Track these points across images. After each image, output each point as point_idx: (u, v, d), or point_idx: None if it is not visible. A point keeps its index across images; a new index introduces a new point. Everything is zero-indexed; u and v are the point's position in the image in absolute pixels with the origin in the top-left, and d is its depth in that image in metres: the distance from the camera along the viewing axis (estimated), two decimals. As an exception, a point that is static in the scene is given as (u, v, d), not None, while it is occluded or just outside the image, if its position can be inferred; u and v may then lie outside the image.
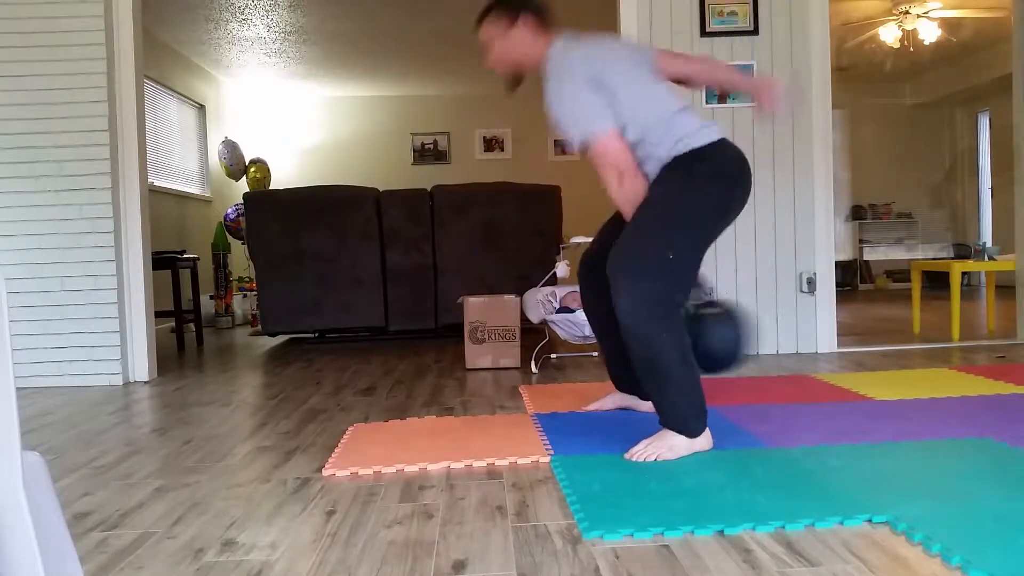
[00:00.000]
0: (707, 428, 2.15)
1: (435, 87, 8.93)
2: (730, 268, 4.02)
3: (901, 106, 9.72)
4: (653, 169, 2.22)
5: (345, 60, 7.67)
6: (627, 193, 2.19)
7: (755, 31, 4.04)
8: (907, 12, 6.67)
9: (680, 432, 2.11)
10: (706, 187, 2.16)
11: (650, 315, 2.06)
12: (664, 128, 2.18)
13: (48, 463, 1.06)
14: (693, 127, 2.20)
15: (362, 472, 2.08)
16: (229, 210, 7.35)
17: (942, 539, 1.46)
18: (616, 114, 2.18)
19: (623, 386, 2.66)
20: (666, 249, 2.10)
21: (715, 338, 2.20)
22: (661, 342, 2.06)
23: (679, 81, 2.48)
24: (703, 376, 2.16)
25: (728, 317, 2.23)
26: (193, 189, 7.43)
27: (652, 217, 2.15)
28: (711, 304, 2.26)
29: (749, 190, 2.25)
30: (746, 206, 2.29)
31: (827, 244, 4.11)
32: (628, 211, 2.21)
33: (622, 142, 2.19)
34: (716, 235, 2.22)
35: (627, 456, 2.10)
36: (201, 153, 7.72)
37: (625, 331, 2.10)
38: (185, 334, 5.75)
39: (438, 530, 1.64)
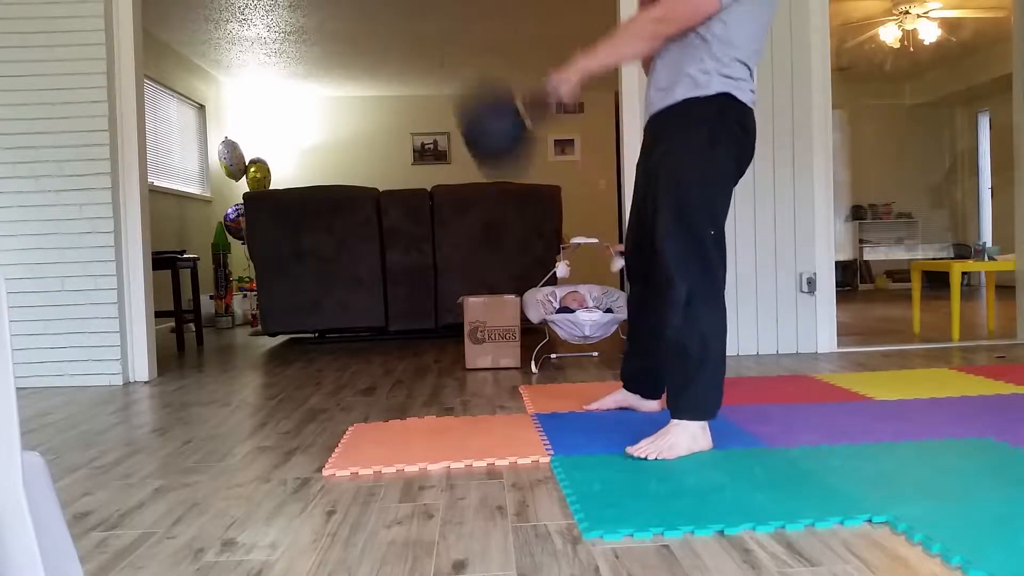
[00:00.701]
0: (708, 428, 2.15)
1: (435, 87, 8.93)
2: (730, 268, 4.00)
3: (901, 106, 9.72)
4: (691, 69, 2.15)
5: (345, 60, 7.67)
6: (638, 32, 2.15)
7: (755, 31, 4.04)
8: (907, 12, 6.67)
9: (691, 416, 2.12)
10: (725, 160, 2.18)
11: (705, 293, 2.12)
12: (732, 55, 2.15)
13: (48, 463, 1.06)
14: (744, 79, 2.18)
15: (362, 472, 2.08)
16: (229, 210, 7.35)
17: (942, 539, 1.46)
18: (729, 4, 2.10)
19: (630, 381, 2.66)
20: (708, 233, 2.14)
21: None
22: (716, 323, 2.13)
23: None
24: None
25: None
26: (193, 189, 7.43)
27: (689, 202, 2.15)
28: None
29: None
30: (747, 206, 2.31)
31: (827, 244, 4.11)
32: (620, 36, 2.18)
33: (708, 13, 2.10)
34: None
35: (628, 451, 2.10)
36: (201, 153, 7.72)
37: (675, 311, 2.12)
38: (185, 334, 5.75)
39: (438, 530, 1.64)
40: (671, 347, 2.16)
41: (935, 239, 9.58)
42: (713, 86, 2.14)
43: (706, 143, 2.16)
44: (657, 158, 2.24)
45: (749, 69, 2.20)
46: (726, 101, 2.15)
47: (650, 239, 2.28)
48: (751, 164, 2.30)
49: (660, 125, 2.25)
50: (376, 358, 4.44)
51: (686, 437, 2.11)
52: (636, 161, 2.48)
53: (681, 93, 2.18)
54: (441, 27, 6.65)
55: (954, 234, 9.68)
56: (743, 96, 2.18)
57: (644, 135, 2.38)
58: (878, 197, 9.67)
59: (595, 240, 3.93)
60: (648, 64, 2.40)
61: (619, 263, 3.77)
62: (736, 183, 2.25)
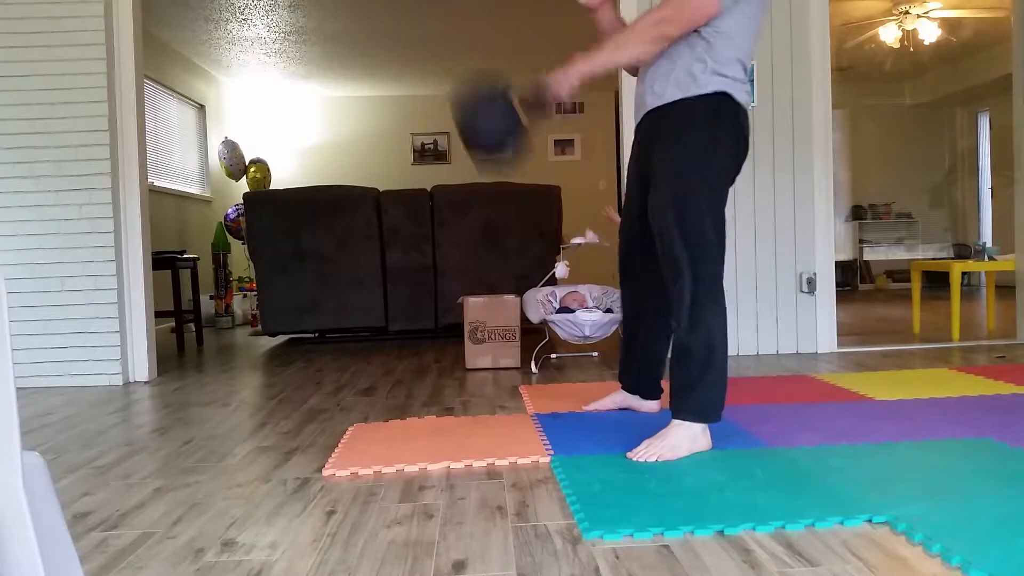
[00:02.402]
0: (707, 428, 2.15)
1: (435, 87, 8.92)
2: (730, 268, 4.01)
3: (901, 106, 9.72)
4: (689, 69, 2.15)
5: (345, 60, 7.67)
6: (640, 36, 2.15)
7: (755, 31, 4.04)
8: (907, 12, 6.67)
9: (695, 417, 2.12)
10: (723, 160, 2.18)
11: (707, 294, 2.12)
12: (730, 54, 2.15)
13: (48, 463, 1.06)
14: (740, 78, 2.18)
15: (362, 472, 2.08)
16: (229, 210, 7.35)
17: (942, 539, 1.46)
18: (730, 6, 2.11)
19: (628, 382, 2.66)
20: (708, 231, 2.14)
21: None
22: (720, 324, 2.13)
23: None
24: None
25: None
26: (193, 189, 7.43)
27: (690, 202, 2.15)
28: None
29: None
30: (747, 206, 2.31)
31: (827, 244, 4.11)
32: (623, 39, 2.18)
33: (709, 15, 2.10)
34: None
35: (629, 456, 2.10)
36: (201, 153, 7.72)
37: (679, 312, 2.13)
38: (185, 334, 5.75)
39: (438, 530, 1.64)
40: (676, 349, 2.17)
41: (935, 239, 9.58)
42: (711, 85, 2.14)
43: (706, 143, 2.16)
44: (657, 158, 2.23)
45: (745, 68, 2.20)
46: (724, 100, 2.15)
47: (643, 239, 2.28)
48: (750, 165, 2.31)
49: (657, 124, 2.24)
50: (376, 358, 4.44)
51: (687, 438, 2.11)
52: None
53: (678, 92, 2.17)
54: (441, 27, 6.65)
55: (954, 234, 9.68)
56: (740, 96, 2.18)
57: (637, 134, 2.37)
58: (878, 197, 9.67)
59: (595, 240, 3.93)
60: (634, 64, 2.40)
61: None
62: (733, 182, 2.25)
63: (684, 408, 2.14)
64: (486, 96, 2.18)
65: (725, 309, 2.17)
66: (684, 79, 2.17)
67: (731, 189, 2.26)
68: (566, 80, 2.15)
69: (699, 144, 2.16)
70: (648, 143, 2.29)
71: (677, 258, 2.14)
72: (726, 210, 2.23)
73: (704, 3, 2.08)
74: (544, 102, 2.19)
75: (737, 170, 2.24)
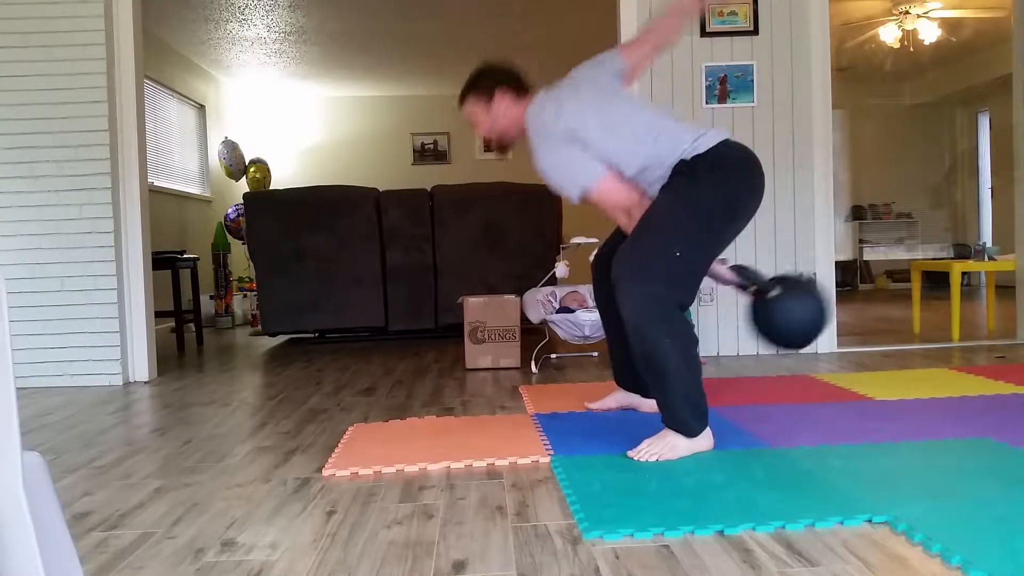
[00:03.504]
0: (708, 428, 2.15)
1: (435, 87, 8.92)
2: (730, 268, 4.02)
3: (901, 106, 9.72)
4: (655, 177, 2.22)
5: (345, 60, 7.67)
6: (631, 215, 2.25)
7: (755, 31, 4.04)
8: (907, 12, 6.67)
9: (679, 432, 2.11)
10: (711, 190, 2.15)
11: (652, 316, 2.07)
12: (661, 149, 2.18)
13: (48, 463, 1.06)
14: (690, 137, 2.19)
15: (362, 472, 2.08)
16: (229, 210, 7.35)
17: (942, 539, 1.46)
18: (602, 159, 2.20)
19: (625, 384, 2.67)
20: (672, 251, 2.11)
21: (791, 313, 2.15)
22: (662, 343, 2.07)
23: (655, 52, 2.54)
24: (793, 351, 2.18)
25: (796, 289, 2.19)
26: (193, 189, 7.43)
27: (657, 220, 2.16)
28: (775, 282, 2.21)
29: (760, 189, 2.25)
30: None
31: (827, 244, 4.11)
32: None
33: (616, 181, 2.23)
34: (725, 239, 2.22)
35: (629, 456, 2.10)
36: (201, 153, 7.72)
37: (629, 331, 2.11)
38: (185, 334, 5.75)
39: (438, 530, 1.64)
40: (639, 362, 2.16)
41: (935, 239, 9.58)
42: (670, 163, 2.18)
43: (687, 180, 2.17)
44: None
45: (674, 125, 2.23)
46: (699, 157, 2.17)
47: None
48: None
49: None
50: (376, 358, 4.44)
51: (687, 439, 2.11)
52: None
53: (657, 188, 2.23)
54: (441, 27, 6.65)
55: (954, 234, 9.68)
56: (704, 145, 2.17)
57: None
58: (878, 197, 9.67)
59: (595, 240, 3.92)
60: (654, 55, 2.53)
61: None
62: (731, 221, 2.22)
63: (666, 421, 2.14)
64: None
65: (675, 328, 2.09)
66: (653, 186, 2.22)
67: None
68: None
69: (681, 181, 2.18)
70: None
71: (619, 271, 2.12)
72: None
73: (600, 195, 2.24)
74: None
75: (732, 202, 2.20)
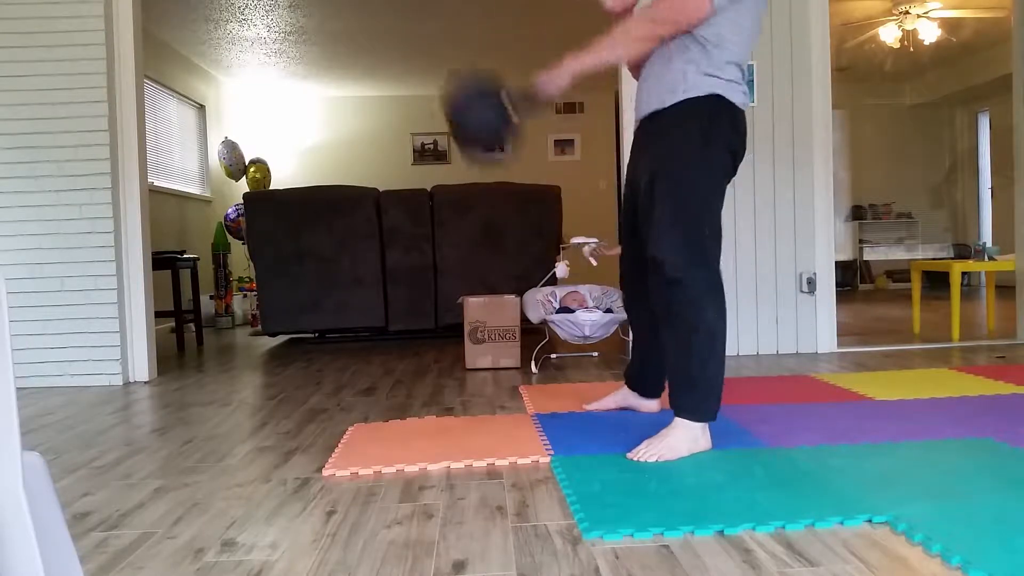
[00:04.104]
0: (708, 429, 2.15)
1: (435, 87, 8.90)
2: (730, 268, 4.02)
3: (901, 106, 9.72)
4: (683, 72, 2.16)
5: (345, 60, 7.67)
6: (631, 34, 2.18)
7: (755, 31, 4.04)
8: (907, 12, 6.67)
9: (694, 416, 2.12)
10: (719, 159, 2.17)
11: (705, 294, 2.12)
12: (724, 56, 2.14)
13: (48, 463, 1.06)
14: (736, 80, 2.17)
15: (362, 472, 2.08)
16: (229, 210, 7.35)
17: (942, 539, 1.46)
18: (724, 7, 2.11)
19: (632, 379, 2.66)
20: (704, 229, 2.14)
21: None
22: (718, 322, 2.12)
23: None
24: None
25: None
26: (193, 189, 7.43)
27: (687, 201, 2.15)
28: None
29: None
30: (747, 206, 2.30)
31: (827, 244, 4.11)
32: (612, 38, 2.19)
33: (701, 17, 2.10)
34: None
35: (629, 456, 2.10)
36: (201, 153, 7.72)
37: (677, 313, 2.13)
38: (185, 334, 5.75)
39: (438, 530, 1.64)
40: (675, 347, 2.16)
41: (935, 239, 9.58)
42: (705, 87, 2.14)
43: (700, 143, 2.15)
44: (651, 158, 2.23)
45: (741, 70, 2.20)
46: (718, 102, 2.15)
47: (643, 238, 2.29)
48: (750, 164, 2.31)
49: (654, 126, 2.25)
50: (376, 358, 4.44)
51: (687, 438, 2.11)
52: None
53: (673, 96, 2.17)
54: (441, 27, 6.65)
55: (954, 234, 9.68)
56: (735, 98, 2.17)
57: (636, 136, 2.38)
58: (878, 197, 9.67)
59: (595, 240, 3.92)
60: (636, 66, 2.40)
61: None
62: (728, 182, 2.25)
63: (683, 407, 2.14)
64: (476, 93, 2.21)
65: (724, 308, 2.16)
66: (678, 82, 2.17)
67: (730, 187, 2.26)
68: (557, 79, 2.16)
69: (693, 144, 2.16)
70: (646, 143, 2.30)
71: (673, 258, 2.13)
72: (729, 208, 2.23)
73: (697, 5, 2.09)
74: (535, 100, 2.20)
75: (733, 170, 2.24)
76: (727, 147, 2.18)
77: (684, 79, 2.16)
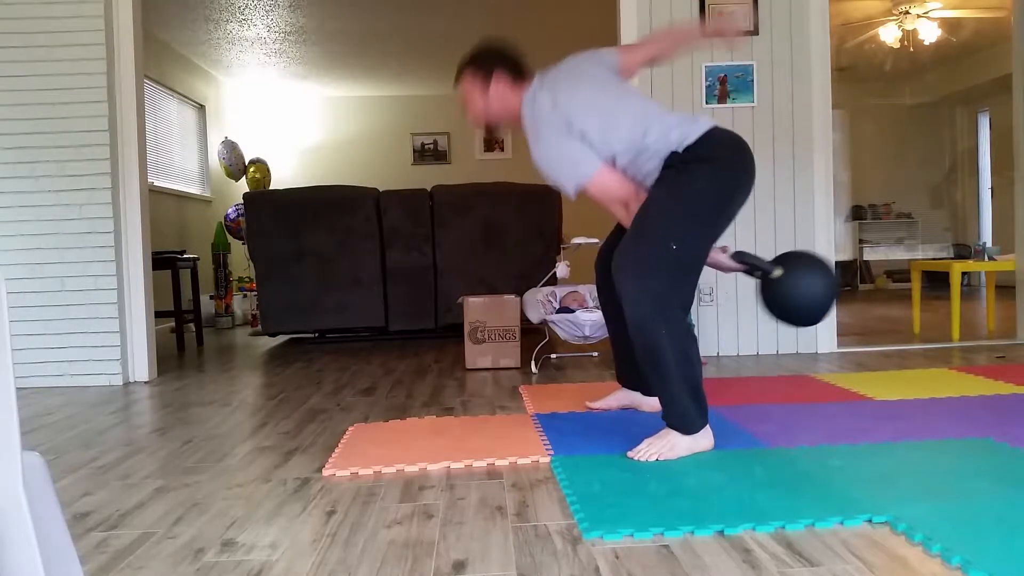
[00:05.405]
0: (708, 428, 2.15)
1: (435, 87, 8.92)
2: (730, 268, 4.02)
3: (901, 106, 9.72)
4: (650, 168, 2.23)
5: (345, 60, 7.67)
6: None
7: (755, 31, 4.04)
8: (907, 12, 6.67)
9: (678, 429, 2.11)
10: (703, 182, 2.16)
11: (651, 313, 2.08)
12: (653, 140, 2.19)
13: (48, 463, 1.06)
14: (681, 127, 2.19)
15: (362, 472, 2.08)
16: (229, 210, 7.35)
17: (942, 539, 1.46)
18: (598, 150, 2.21)
19: (628, 382, 2.67)
20: (668, 246, 2.11)
21: (800, 288, 2.18)
22: (661, 340, 2.07)
23: (652, 62, 2.54)
24: (811, 325, 2.22)
25: (798, 263, 2.22)
26: (193, 189, 7.43)
27: (653, 217, 2.16)
28: (777, 262, 2.23)
29: (751, 173, 2.24)
30: (747, 206, 2.30)
31: (827, 244, 4.10)
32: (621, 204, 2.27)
33: (614, 173, 2.24)
34: (720, 228, 2.22)
35: (629, 456, 2.10)
36: (201, 153, 7.72)
37: (629, 325, 2.13)
38: (185, 334, 5.75)
39: (438, 530, 1.64)
40: (641, 363, 2.17)
41: (935, 239, 9.57)
42: (661, 154, 2.19)
43: (677, 172, 2.17)
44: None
45: (664, 115, 2.24)
46: (689, 148, 2.17)
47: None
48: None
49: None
50: (376, 358, 4.44)
51: (687, 438, 2.11)
52: None
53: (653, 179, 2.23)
54: (441, 27, 6.65)
55: (954, 234, 9.68)
56: (694, 134, 2.18)
57: None
58: (878, 197, 9.67)
59: (595, 240, 3.92)
60: (655, 62, 2.55)
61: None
62: (727, 206, 2.21)
63: (667, 417, 2.15)
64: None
65: (673, 324, 2.09)
66: (649, 176, 2.23)
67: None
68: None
69: (672, 175, 2.18)
70: None
71: (618, 268, 2.13)
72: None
73: (594, 188, 2.24)
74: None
75: (724, 189, 2.20)
76: (711, 167, 2.17)
77: (656, 165, 2.20)
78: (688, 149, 2.17)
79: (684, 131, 2.19)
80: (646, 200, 2.20)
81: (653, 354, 2.09)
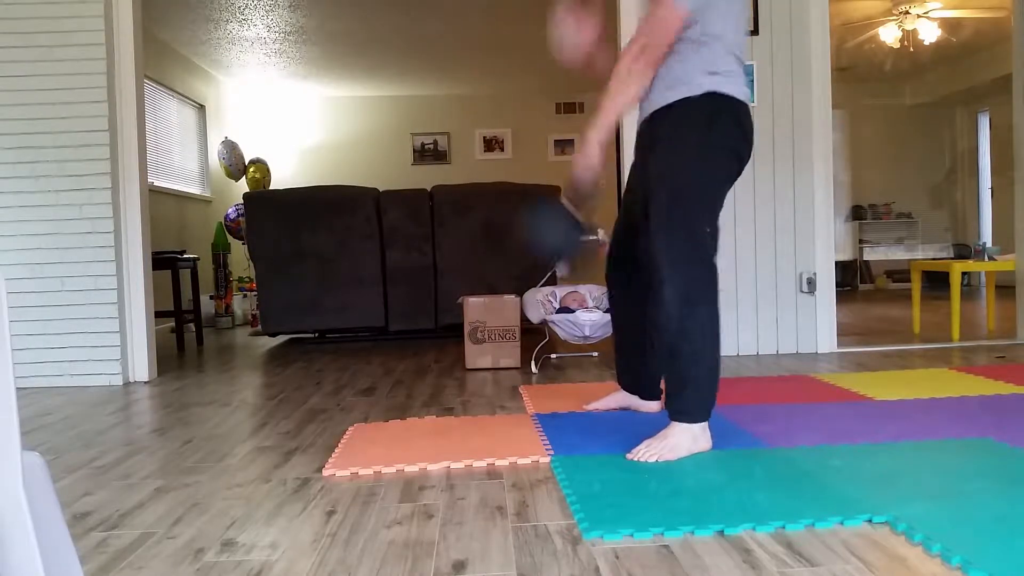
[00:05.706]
0: (707, 429, 2.15)
1: (435, 87, 8.92)
2: (730, 268, 4.02)
3: (901, 106, 9.72)
4: (681, 71, 2.16)
5: (345, 60, 7.67)
6: (629, 74, 2.16)
7: (755, 31, 4.04)
8: (907, 12, 6.67)
9: (690, 418, 2.12)
10: (722, 160, 2.18)
11: (700, 292, 2.11)
12: (720, 51, 2.15)
13: (48, 463, 1.06)
14: (735, 72, 2.17)
15: (362, 472, 2.08)
16: (229, 210, 7.35)
17: (942, 539, 1.46)
18: (702, 6, 2.12)
19: (627, 385, 2.66)
20: (701, 227, 2.14)
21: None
22: (710, 322, 2.12)
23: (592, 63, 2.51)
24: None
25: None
26: (193, 189, 7.43)
27: (683, 201, 2.15)
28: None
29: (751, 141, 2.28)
30: (747, 206, 2.31)
31: (827, 244, 4.10)
32: (613, 86, 2.18)
33: (678, 28, 2.12)
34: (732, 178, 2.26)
35: (629, 457, 2.10)
36: (201, 153, 7.72)
37: (670, 312, 2.11)
38: (185, 334, 5.75)
39: (438, 530, 1.64)
40: (665, 349, 2.16)
41: (935, 239, 9.58)
42: (704, 86, 2.15)
43: (702, 143, 2.16)
44: (653, 161, 2.24)
45: (738, 59, 2.20)
46: (720, 99, 2.15)
47: (634, 239, 2.29)
48: (750, 164, 2.31)
49: (656, 127, 2.25)
50: (376, 358, 4.44)
51: (687, 438, 2.11)
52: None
53: (675, 95, 2.18)
54: (441, 27, 6.65)
55: (954, 234, 9.68)
56: (736, 91, 2.17)
57: (639, 137, 2.39)
58: (878, 197, 9.67)
59: (595, 239, 3.92)
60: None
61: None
62: (734, 181, 2.25)
63: (678, 409, 2.14)
64: (542, 213, 2.34)
65: (716, 306, 2.16)
66: (677, 82, 2.17)
67: (732, 187, 2.26)
68: (589, 157, 2.21)
69: (694, 144, 2.16)
70: (646, 148, 2.31)
71: (667, 255, 2.13)
72: (729, 208, 2.23)
73: (670, 17, 2.10)
74: (585, 191, 2.28)
75: (738, 169, 2.24)
76: (731, 146, 2.18)
77: (683, 78, 2.16)
78: (725, 101, 2.14)
79: (737, 79, 2.17)
80: (674, 182, 2.15)
81: (691, 336, 2.10)
